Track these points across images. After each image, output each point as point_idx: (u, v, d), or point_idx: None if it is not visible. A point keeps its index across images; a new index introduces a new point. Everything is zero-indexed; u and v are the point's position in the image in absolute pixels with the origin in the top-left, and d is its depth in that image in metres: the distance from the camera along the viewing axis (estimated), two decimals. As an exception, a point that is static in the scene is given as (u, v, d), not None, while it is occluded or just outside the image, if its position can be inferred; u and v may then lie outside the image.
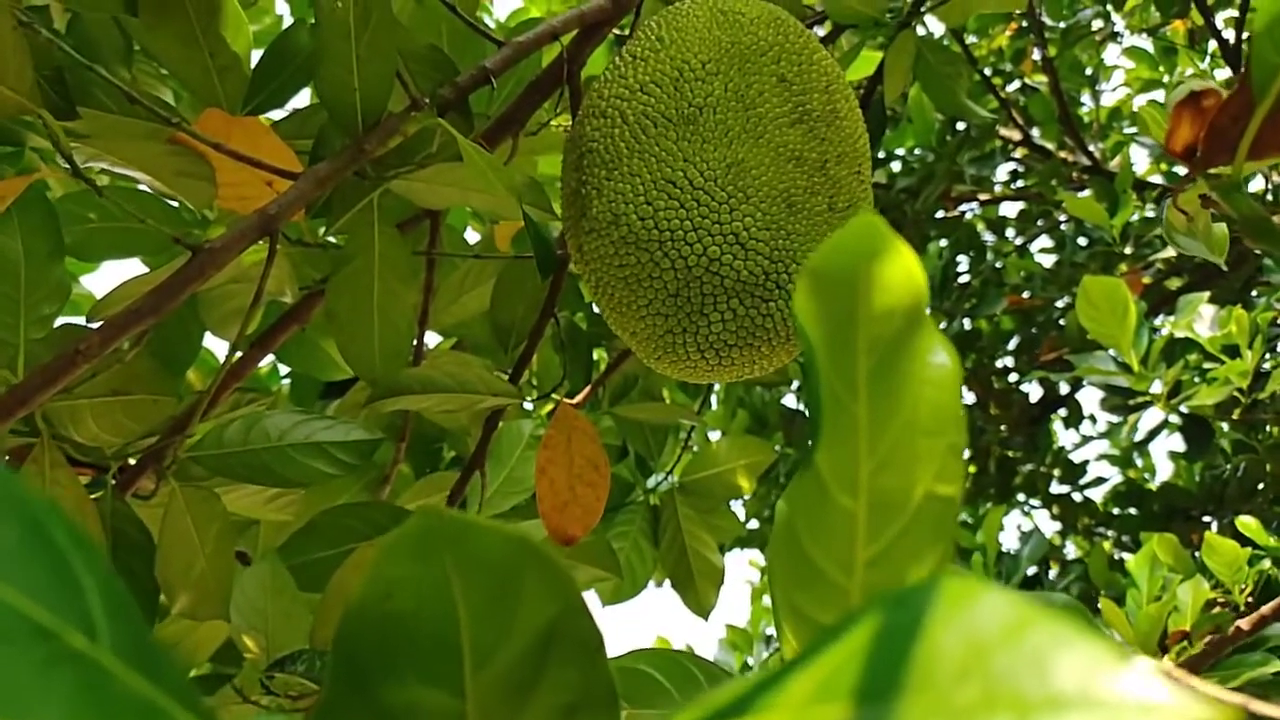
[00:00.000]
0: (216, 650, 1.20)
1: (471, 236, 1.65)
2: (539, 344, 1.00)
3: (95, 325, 0.99)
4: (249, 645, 0.93)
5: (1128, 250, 2.89)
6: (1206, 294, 2.42)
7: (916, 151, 3.24)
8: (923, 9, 1.47)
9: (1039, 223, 3.55)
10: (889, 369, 0.27)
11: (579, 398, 1.29)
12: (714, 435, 3.38)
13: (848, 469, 0.26)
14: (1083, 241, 3.33)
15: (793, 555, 0.26)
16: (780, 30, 0.77)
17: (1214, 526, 3.03)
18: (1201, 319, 2.46)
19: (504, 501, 1.18)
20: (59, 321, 1.03)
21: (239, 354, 1.15)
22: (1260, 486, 2.93)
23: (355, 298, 0.85)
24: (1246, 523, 1.93)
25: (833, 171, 0.75)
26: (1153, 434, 2.89)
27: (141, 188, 1.00)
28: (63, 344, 0.88)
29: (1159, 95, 3.63)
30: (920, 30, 1.53)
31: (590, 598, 1.68)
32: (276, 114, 1.08)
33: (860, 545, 0.26)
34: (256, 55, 1.03)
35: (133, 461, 1.02)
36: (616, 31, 1.05)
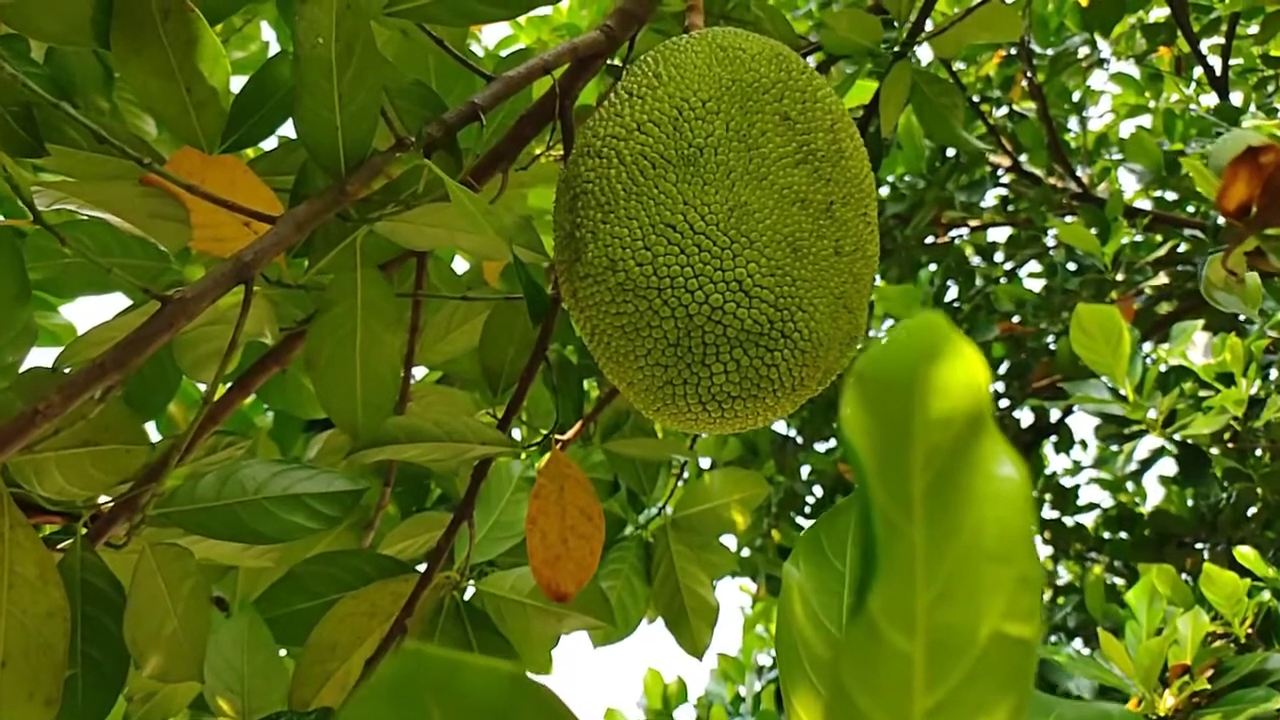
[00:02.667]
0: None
1: (460, 265, 1.62)
2: (529, 387, 0.96)
3: (65, 370, 0.94)
4: (224, 708, 0.88)
5: (1119, 277, 2.88)
6: (1200, 322, 2.41)
7: (906, 178, 3.23)
8: (917, 40, 1.45)
9: (1025, 247, 3.55)
10: (948, 484, 0.23)
11: (570, 434, 1.25)
12: (704, 462, 3.34)
13: (903, 604, 0.22)
14: (1072, 267, 3.33)
15: (840, 706, 0.22)
16: (783, 67, 0.74)
17: (1206, 553, 3.01)
18: (1195, 346, 2.44)
19: (492, 548, 1.14)
20: (30, 363, 0.98)
21: (218, 395, 1.10)
22: (1251, 512, 2.91)
23: (336, 346, 0.80)
24: (1245, 553, 1.91)
25: (838, 214, 0.71)
26: (1148, 462, 2.87)
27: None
28: (29, 391, 0.83)
29: (1145, 120, 3.64)
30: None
31: (580, 639, 1.63)
32: (266, 142, 1.04)
33: (918, 693, 0.22)
34: (240, 82, 0.99)
35: (105, 509, 0.97)
36: (612, 62, 1.02)
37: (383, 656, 0.90)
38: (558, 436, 1.20)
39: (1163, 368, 2.45)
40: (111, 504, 0.98)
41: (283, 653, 1.12)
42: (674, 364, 0.69)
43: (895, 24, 1.46)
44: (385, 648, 0.91)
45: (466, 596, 1.12)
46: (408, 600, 0.92)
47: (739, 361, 0.68)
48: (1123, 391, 2.38)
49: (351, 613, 0.97)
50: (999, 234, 3.70)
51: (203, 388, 1.38)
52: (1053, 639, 3.32)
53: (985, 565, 0.23)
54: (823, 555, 0.67)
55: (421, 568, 1.31)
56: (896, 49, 1.42)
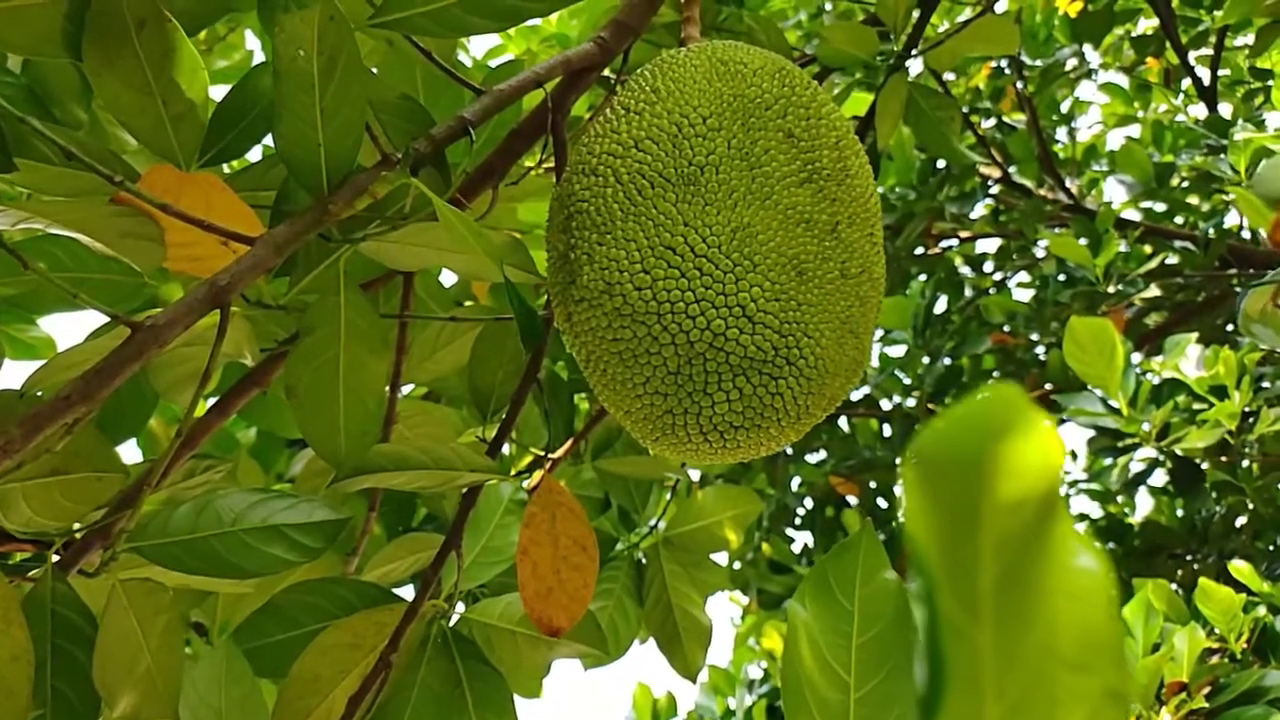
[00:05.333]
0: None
1: (448, 277, 1.58)
2: (521, 411, 0.93)
3: (37, 394, 0.90)
4: (200, 748, 0.84)
5: (1111, 289, 2.87)
6: (1194, 335, 2.40)
7: (897, 189, 3.22)
8: (914, 53, 1.43)
9: (1014, 257, 3.56)
10: (1018, 579, 0.20)
11: (561, 452, 1.22)
12: (694, 474, 3.31)
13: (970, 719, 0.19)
14: (1061, 278, 3.32)
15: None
16: (786, 82, 0.71)
17: (1196, 565, 3.00)
18: (1187, 359, 2.43)
19: (482, 574, 1.10)
20: (11, 375, 0.94)
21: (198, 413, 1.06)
22: (1240, 523, 2.91)
23: (318, 373, 0.77)
24: (1239, 567, 1.89)
25: (844, 235, 0.68)
26: (1142, 475, 2.86)
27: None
28: (-6, 417, 0.79)
29: (1134, 131, 3.65)
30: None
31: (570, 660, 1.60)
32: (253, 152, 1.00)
33: (988, 825, 0.19)
34: (224, 92, 0.96)
35: (78, 535, 0.94)
36: (605, 74, 0.99)
37: (367, 692, 0.87)
38: (549, 454, 1.17)
39: (1155, 380, 2.43)
40: (84, 531, 0.94)
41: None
42: (674, 392, 0.66)
43: (890, 36, 1.44)
44: (370, 682, 0.87)
45: (453, 622, 1.09)
46: (393, 634, 0.88)
47: (742, 390, 0.65)
48: (1116, 404, 2.37)
49: (334, 644, 0.94)
50: (987, 244, 3.69)
51: (182, 406, 1.34)
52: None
53: (1062, 674, 0.20)
54: (830, 594, 0.64)
55: (406, 592, 1.27)
56: (892, 61, 1.40)
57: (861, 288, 0.69)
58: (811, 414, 0.68)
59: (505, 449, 1.47)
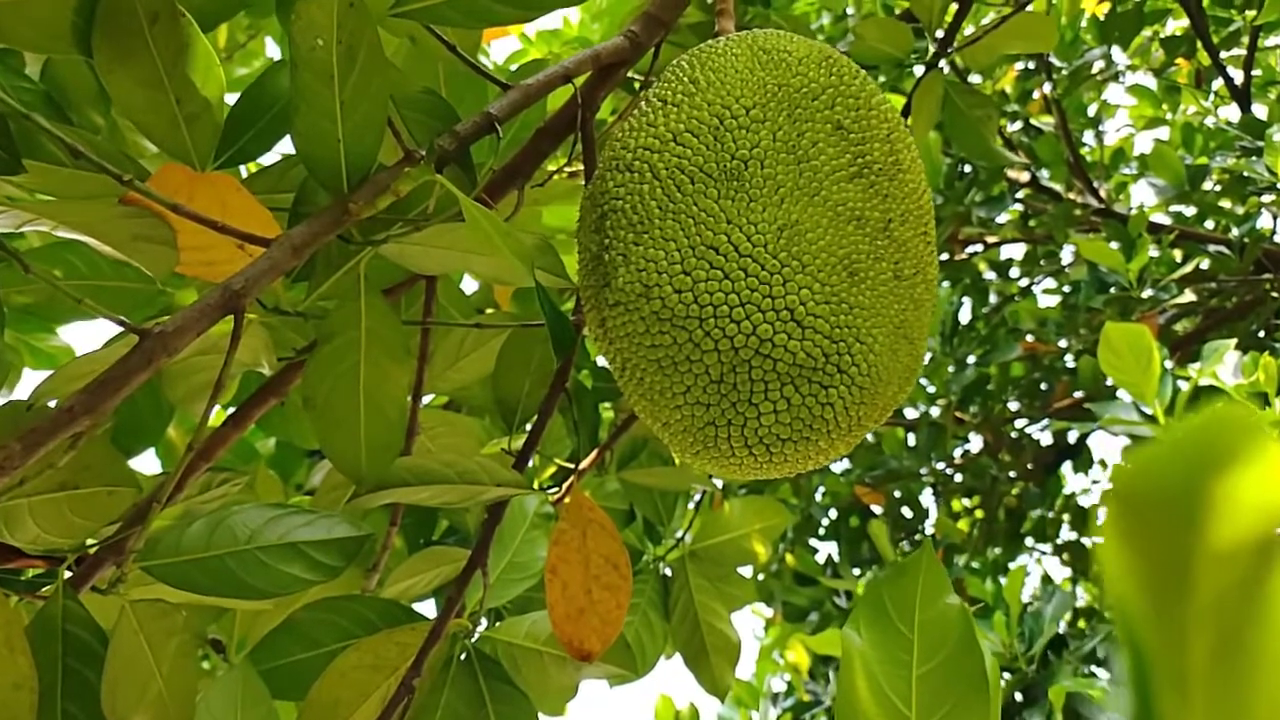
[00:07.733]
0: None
1: (469, 284, 1.55)
2: (548, 423, 0.89)
3: (49, 404, 0.87)
4: (214, 775, 0.80)
5: (1144, 294, 2.80)
6: (1233, 341, 2.34)
7: (923, 193, 3.17)
8: (950, 51, 1.38)
9: (1041, 263, 3.50)
10: (1233, 645, 0.15)
11: (586, 463, 1.18)
12: (717, 482, 3.26)
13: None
14: (1093, 283, 3.26)
15: None
16: (833, 71, 0.67)
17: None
18: (1224, 365, 2.37)
19: (508, 591, 1.06)
20: (8, 397, 0.91)
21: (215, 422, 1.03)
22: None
23: (337, 382, 0.73)
24: None
25: (897, 233, 0.64)
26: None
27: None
28: (3, 430, 0.76)
29: (1162, 133, 3.58)
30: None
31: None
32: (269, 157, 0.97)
33: None
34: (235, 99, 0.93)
35: (91, 551, 0.90)
36: (632, 75, 0.95)
37: (389, 718, 0.83)
38: (576, 468, 1.13)
39: (1184, 385, 2.37)
40: (97, 547, 0.91)
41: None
42: (717, 403, 0.61)
43: (925, 34, 1.40)
44: (391, 708, 0.83)
45: (475, 639, 1.05)
46: (416, 656, 0.84)
47: (790, 400, 0.60)
48: (1151, 412, 2.30)
49: (355, 666, 0.90)
50: (1011, 250, 3.64)
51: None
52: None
53: (1295, 769, 0.15)
54: (887, 620, 0.60)
55: (426, 606, 1.23)
56: (928, 59, 1.36)
57: (915, 290, 0.64)
58: (863, 425, 0.64)
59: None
